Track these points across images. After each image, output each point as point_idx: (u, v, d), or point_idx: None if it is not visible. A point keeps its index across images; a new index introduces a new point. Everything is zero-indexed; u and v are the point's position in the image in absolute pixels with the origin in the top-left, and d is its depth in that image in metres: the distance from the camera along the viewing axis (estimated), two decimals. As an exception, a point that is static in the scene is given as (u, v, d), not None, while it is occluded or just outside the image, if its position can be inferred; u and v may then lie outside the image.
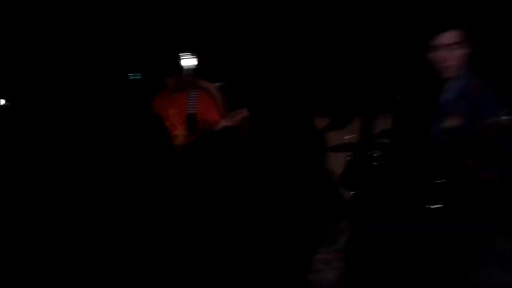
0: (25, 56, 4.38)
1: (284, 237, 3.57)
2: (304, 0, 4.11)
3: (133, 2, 4.40)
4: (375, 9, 3.44)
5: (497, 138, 2.08)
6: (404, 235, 2.13)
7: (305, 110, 3.95)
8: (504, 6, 3.23)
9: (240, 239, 3.36)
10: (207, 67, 3.98)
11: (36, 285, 3.22)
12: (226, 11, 4.32)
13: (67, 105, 4.40)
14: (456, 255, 2.11)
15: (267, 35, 4.24)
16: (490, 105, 2.23)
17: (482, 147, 2.10)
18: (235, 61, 4.36)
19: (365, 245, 2.21)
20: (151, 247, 3.35)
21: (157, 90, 3.76)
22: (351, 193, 2.38)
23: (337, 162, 2.93)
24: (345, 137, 3.17)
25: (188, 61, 4.60)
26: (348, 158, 2.48)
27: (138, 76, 4.27)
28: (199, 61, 3.95)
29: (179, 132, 3.57)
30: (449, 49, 2.34)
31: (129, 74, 4.30)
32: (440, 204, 2.11)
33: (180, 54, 3.68)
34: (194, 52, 3.73)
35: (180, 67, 3.64)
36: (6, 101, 4.27)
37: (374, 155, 2.31)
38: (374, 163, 2.29)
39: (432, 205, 2.12)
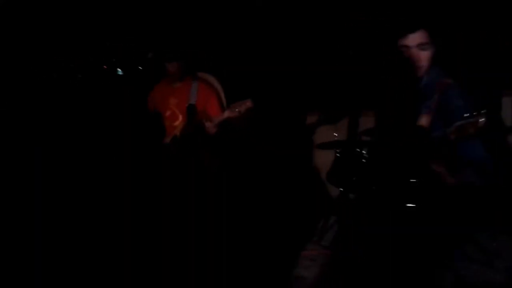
0: (25, 56, 4.38)
1: (271, 233, 3.60)
2: (304, 0, 4.11)
3: (133, 2, 4.40)
4: (375, 9, 3.44)
5: (467, 141, 2.03)
6: (388, 234, 2.12)
7: (301, 109, 3.96)
8: (504, 6, 3.22)
9: (226, 234, 3.35)
10: (206, 67, 3.98)
11: (36, 285, 3.22)
12: (226, 11, 4.32)
13: (67, 105, 4.41)
14: (439, 254, 2.11)
15: (267, 35, 4.24)
16: (458, 105, 2.20)
17: (451, 151, 2.07)
18: (235, 60, 4.37)
19: (354, 242, 2.20)
20: (151, 247, 3.35)
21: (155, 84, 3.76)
22: (339, 189, 2.38)
23: (325, 159, 2.93)
24: (334, 134, 3.18)
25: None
26: (336, 155, 2.47)
27: (119, 72, 4.25)
28: (199, 61, 3.95)
29: (180, 122, 3.57)
30: (420, 49, 2.32)
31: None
32: (415, 204, 2.11)
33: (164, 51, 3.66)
34: (194, 52, 3.72)
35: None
36: (4, 102, 4.27)
37: (361, 152, 2.30)
38: (361, 161, 2.29)
39: (409, 204, 2.12)
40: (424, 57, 2.32)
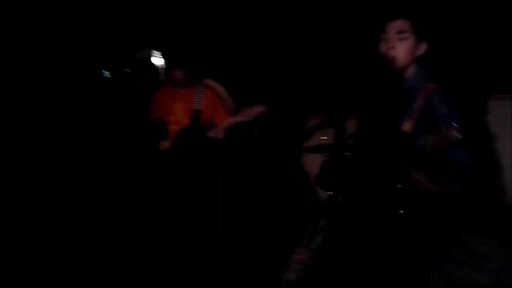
0: (25, 56, 4.38)
1: (261, 236, 3.60)
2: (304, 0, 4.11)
3: (133, 2, 4.40)
4: (375, 9, 3.44)
5: (448, 150, 1.98)
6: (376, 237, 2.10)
7: (301, 111, 3.95)
8: (504, 6, 3.22)
9: (216, 238, 3.35)
10: (206, 67, 3.98)
11: (36, 285, 3.23)
12: (226, 11, 4.33)
13: (67, 105, 4.41)
14: (427, 257, 2.09)
15: (267, 35, 4.25)
16: (442, 114, 2.12)
17: (432, 160, 2.02)
18: (235, 61, 4.37)
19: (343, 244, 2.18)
20: (151, 246, 3.35)
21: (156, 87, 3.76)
22: (328, 193, 2.36)
23: (314, 163, 2.93)
24: (321, 138, 3.18)
25: (159, 60, 4.60)
26: (324, 158, 2.47)
27: (106, 74, 4.26)
28: (198, 60, 3.95)
29: (183, 127, 3.57)
30: (398, 38, 2.21)
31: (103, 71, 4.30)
32: (401, 208, 2.08)
33: (152, 51, 3.67)
34: (194, 52, 3.72)
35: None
36: (4, 102, 4.27)
37: (348, 155, 2.29)
38: (349, 164, 2.27)
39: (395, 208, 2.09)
40: (401, 47, 2.21)
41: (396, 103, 2.25)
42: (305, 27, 4.10)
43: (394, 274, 2.01)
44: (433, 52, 2.37)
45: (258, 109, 3.32)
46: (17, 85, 4.40)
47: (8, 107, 4.32)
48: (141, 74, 3.66)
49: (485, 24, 3.34)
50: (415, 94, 2.18)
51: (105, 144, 4.27)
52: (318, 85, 3.93)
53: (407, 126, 2.14)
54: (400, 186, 2.06)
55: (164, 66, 4.28)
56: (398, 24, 2.21)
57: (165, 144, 3.59)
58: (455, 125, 1.86)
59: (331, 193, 2.35)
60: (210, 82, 3.73)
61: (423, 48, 2.24)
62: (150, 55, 3.66)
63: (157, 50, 3.93)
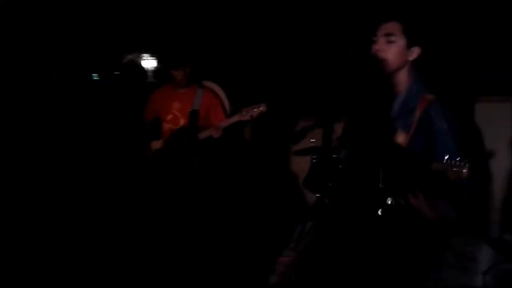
0: (25, 56, 4.38)
1: (248, 239, 3.60)
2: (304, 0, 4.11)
3: (133, 2, 4.40)
4: (375, 9, 3.44)
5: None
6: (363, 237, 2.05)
7: (291, 112, 3.94)
8: (504, 6, 3.22)
9: (202, 238, 3.35)
10: (206, 67, 3.98)
11: (36, 285, 3.23)
12: (226, 11, 4.32)
13: (67, 105, 4.41)
14: (417, 259, 2.04)
15: (267, 35, 4.24)
16: (442, 128, 2.04)
17: (429, 179, 1.93)
18: (235, 60, 4.37)
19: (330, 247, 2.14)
20: (150, 246, 3.36)
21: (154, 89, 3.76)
22: (316, 195, 2.33)
23: (302, 165, 2.92)
24: (310, 140, 3.17)
25: (148, 62, 4.60)
26: (312, 161, 2.45)
27: (96, 77, 4.26)
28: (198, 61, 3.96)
29: (180, 127, 3.57)
30: (386, 40, 2.12)
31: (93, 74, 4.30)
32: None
33: (141, 54, 3.67)
34: (194, 52, 3.72)
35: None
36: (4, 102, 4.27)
37: (337, 158, 2.25)
38: (337, 166, 2.23)
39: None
40: (389, 50, 2.12)
41: (383, 106, 2.18)
42: (303, 27, 4.10)
43: (381, 276, 1.98)
44: (432, 54, 2.34)
45: (260, 109, 3.30)
46: (17, 85, 4.40)
47: (8, 107, 4.32)
48: (130, 76, 3.66)
49: (482, 26, 3.33)
50: (413, 105, 2.09)
51: (103, 144, 4.27)
52: (311, 86, 3.92)
53: (402, 138, 2.05)
54: (384, 187, 2.00)
55: (154, 68, 4.30)
56: (387, 26, 2.14)
57: (157, 144, 3.60)
58: (463, 160, 1.77)
59: (319, 195, 2.30)
60: (209, 83, 3.74)
61: (416, 52, 2.14)
62: (139, 58, 3.65)
63: (155, 51, 3.92)
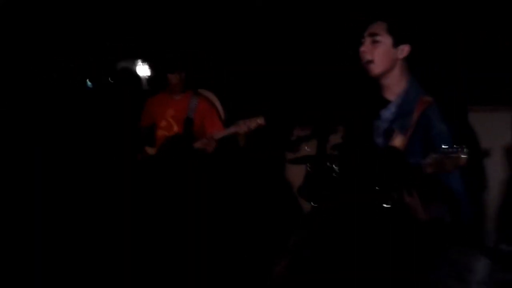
0: (25, 56, 4.38)
1: (242, 247, 3.59)
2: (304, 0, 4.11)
3: (133, 2, 4.40)
4: (375, 9, 3.43)
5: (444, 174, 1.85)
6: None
7: (287, 120, 3.93)
8: (504, 6, 3.21)
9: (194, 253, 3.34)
10: (202, 71, 3.97)
11: (36, 285, 3.23)
12: (225, 11, 4.32)
13: (67, 105, 4.41)
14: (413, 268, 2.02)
15: (267, 35, 4.25)
16: (440, 130, 2.01)
17: (427, 183, 1.90)
18: (234, 61, 4.37)
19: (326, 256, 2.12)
20: (150, 247, 3.36)
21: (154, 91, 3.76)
22: (311, 204, 2.31)
23: (297, 174, 2.91)
24: (306, 148, 3.14)
25: (142, 69, 4.59)
26: (307, 169, 2.43)
27: (89, 85, 4.26)
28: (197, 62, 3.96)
29: (174, 133, 3.55)
30: (371, 41, 2.09)
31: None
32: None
33: (135, 61, 3.66)
34: (189, 55, 3.71)
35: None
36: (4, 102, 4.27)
37: (332, 167, 2.23)
38: (332, 175, 2.20)
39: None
40: (375, 50, 2.08)
41: (370, 109, 2.16)
42: (305, 27, 4.10)
43: (377, 281, 1.96)
44: (430, 54, 2.31)
45: (257, 122, 3.23)
46: (17, 85, 4.40)
47: (8, 107, 4.32)
48: (123, 83, 3.66)
49: (482, 26, 3.32)
50: (410, 107, 2.06)
51: (104, 144, 4.27)
52: (306, 92, 3.90)
53: (399, 141, 2.02)
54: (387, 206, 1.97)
55: (148, 75, 4.29)
56: (372, 27, 2.12)
57: (151, 150, 3.58)
58: (461, 147, 1.71)
59: (314, 204, 2.26)
60: (204, 91, 3.72)
61: (405, 50, 2.10)
62: (133, 65, 3.64)
63: (151, 57, 3.90)
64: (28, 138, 4.31)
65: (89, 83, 4.19)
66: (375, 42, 2.09)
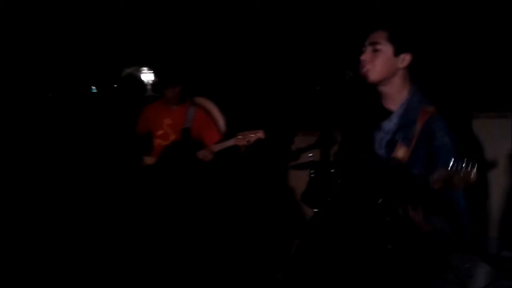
0: (25, 56, 4.36)
1: (245, 253, 3.58)
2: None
3: (133, 3, 4.37)
4: (376, 17, 3.41)
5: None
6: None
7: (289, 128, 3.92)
8: (506, 14, 3.19)
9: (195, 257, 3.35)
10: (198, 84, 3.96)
11: (36, 285, 3.26)
12: (225, 11, 4.29)
13: (67, 105, 4.39)
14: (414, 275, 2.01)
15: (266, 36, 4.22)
16: (445, 142, 1.97)
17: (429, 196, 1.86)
18: (234, 61, 4.35)
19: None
20: (149, 246, 3.37)
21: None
22: (314, 210, 2.31)
23: (300, 180, 2.91)
24: (309, 155, 3.12)
25: (147, 76, 4.58)
26: (311, 175, 2.43)
27: (93, 90, 4.24)
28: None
29: (169, 143, 3.54)
30: (372, 49, 2.06)
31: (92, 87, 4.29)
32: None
33: (140, 68, 3.63)
34: (186, 71, 3.70)
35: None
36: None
37: (335, 173, 2.22)
38: (335, 181, 2.19)
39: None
40: (376, 59, 2.05)
41: (369, 119, 2.13)
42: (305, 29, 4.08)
43: None
44: (432, 64, 2.28)
45: (257, 135, 3.20)
46: (17, 85, 4.38)
47: (8, 107, 4.31)
48: (128, 89, 3.63)
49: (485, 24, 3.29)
50: (413, 118, 2.03)
51: (104, 144, 4.27)
52: (308, 98, 3.87)
53: (402, 153, 1.99)
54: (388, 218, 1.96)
55: (152, 82, 4.25)
56: (373, 35, 2.07)
57: (149, 160, 3.57)
58: (471, 163, 1.66)
59: (317, 210, 2.24)
60: (201, 100, 3.68)
61: (406, 59, 2.06)
62: (138, 71, 3.61)
63: (149, 68, 3.87)
64: (28, 138, 4.30)
65: (93, 88, 4.18)
66: (375, 51, 2.05)
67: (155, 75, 3.53)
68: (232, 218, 3.85)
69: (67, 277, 3.26)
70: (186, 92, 3.55)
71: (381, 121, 2.12)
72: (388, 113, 2.12)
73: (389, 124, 2.10)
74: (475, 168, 1.65)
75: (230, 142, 3.31)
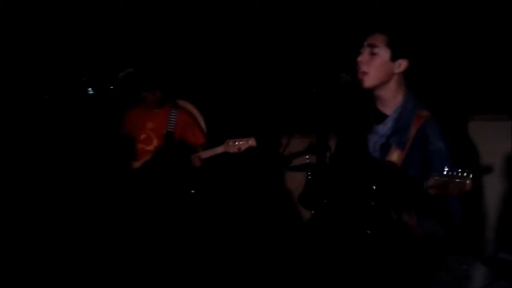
0: (25, 56, 4.37)
1: (242, 255, 3.59)
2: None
3: (133, 4, 4.38)
4: (376, 20, 3.40)
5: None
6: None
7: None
8: (503, 17, 3.19)
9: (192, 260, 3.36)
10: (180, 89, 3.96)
11: (36, 285, 3.27)
12: (225, 11, 4.29)
13: (67, 105, 4.39)
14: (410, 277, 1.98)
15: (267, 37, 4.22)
16: (439, 147, 1.98)
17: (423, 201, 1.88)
18: (233, 63, 4.35)
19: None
20: (148, 246, 3.38)
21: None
22: (311, 212, 2.31)
23: (297, 182, 2.89)
24: (305, 157, 3.12)
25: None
26: (308, 177, 2.43)
27: (90, 91, 4.24)
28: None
29: (152, 147, 3.54)
30: (370, 52, 2.08)
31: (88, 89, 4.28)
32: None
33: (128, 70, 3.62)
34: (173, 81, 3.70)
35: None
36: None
37: (329, 174, 2.23)
38: (331, 183, 2.20)
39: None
40: (373, 62, 2.06)
41: (363, 122, 2.16)
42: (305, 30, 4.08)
43: None
44: (428, 68, 2.27)
45: (249, 143, 3.20)
46: (17, 85, 4.39)
47: (8, 107, 4.32)
48: (124, 91, 3.63)
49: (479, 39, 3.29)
50: (407, 122, 2.05)
51: (104, 144, 4.27)
52: (304, 100, 3.88)
53: (396, 156, 2.01)
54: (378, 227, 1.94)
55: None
56: (372, 38, 2.10)
57: (135, 164, 3.57)
58: (467, 171, 1.67)
59: (313, 211, 2.26)
60: (183, 103, 3.68)
61: (403, 65, 2.09)
62: (134, 73, 3.60)
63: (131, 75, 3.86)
64: (28, 138, 4.30)
65: (90, 89, 4.18)
66: (373, 54, 2.08)
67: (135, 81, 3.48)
68: (228, 220, 3.86)
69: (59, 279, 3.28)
70: (167, 95, 3.54)
71: (376, 124, 2.14)
72: (383, 117, 2.14)
73: (384, 128, 2.13)
74: (471, 176, 1.66)
75: (219, 149, 3.30)
